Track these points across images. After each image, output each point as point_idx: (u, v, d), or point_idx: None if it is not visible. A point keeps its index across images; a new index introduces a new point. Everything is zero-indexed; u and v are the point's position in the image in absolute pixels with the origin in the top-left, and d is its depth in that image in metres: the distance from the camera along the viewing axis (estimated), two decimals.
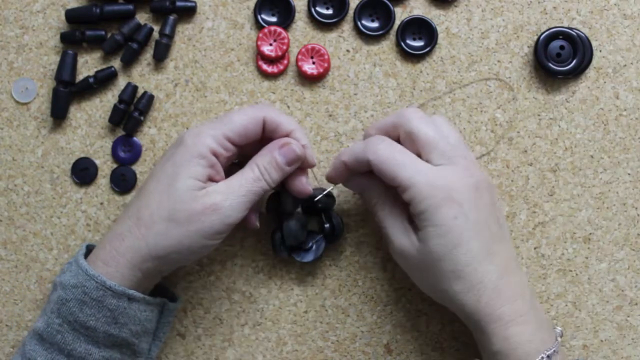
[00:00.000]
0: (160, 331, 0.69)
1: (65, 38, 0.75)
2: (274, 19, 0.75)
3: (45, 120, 0.76)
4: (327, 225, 0.72)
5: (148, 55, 0.75)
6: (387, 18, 0.75)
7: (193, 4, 0.75)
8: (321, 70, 0.74)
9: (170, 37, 0.74)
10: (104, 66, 0.75)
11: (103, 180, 0.75)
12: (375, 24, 0.75)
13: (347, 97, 0.75)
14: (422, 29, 0.75)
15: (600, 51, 0.74)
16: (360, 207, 0.74)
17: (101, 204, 0.75)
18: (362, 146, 0.66)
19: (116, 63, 0.75)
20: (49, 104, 0.75)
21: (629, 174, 0.74)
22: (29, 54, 0.76)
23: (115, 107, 0.74)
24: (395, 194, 0.66)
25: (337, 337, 0.74)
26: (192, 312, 0.74)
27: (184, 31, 0.75)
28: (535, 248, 0.74)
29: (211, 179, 0.65)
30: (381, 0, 0.74)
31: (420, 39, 0.75)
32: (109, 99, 0.75)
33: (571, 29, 0.74)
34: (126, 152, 0.75)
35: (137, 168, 0.75)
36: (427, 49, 0.74)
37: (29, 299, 0.75)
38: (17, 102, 0.76)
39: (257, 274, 0.75)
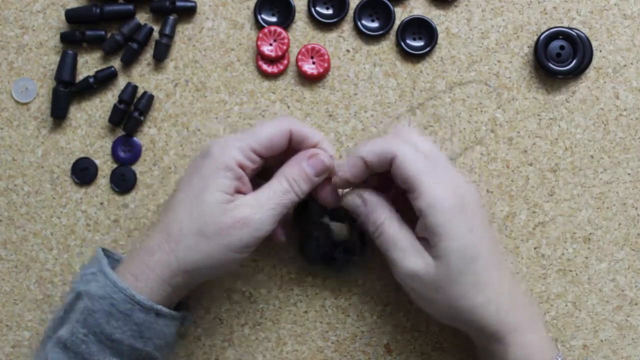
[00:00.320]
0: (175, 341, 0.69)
1: (65, 38, 0.75)
2: (274, 19, 0.75)
3: (45, 120, 0.76)
4: (357, 232, 0.71)
5: (148, 55, 0.75)
6: (387, 18, 0.75)
7: (193, 4, 0.75)
8: (321, 70, 0.74)
9: (170, 37, 0.74)
10: (104, 66, 0.75)
11: (103, 180, 0.75)
12: (375, 24, 0.75)
13: (347, 97, 0.75)
14: (422, 29, 0.75)
15: (600, 51, 0.74)
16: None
17: (101, 204, 0.75)
18: (384, 142, 0.64)
19: (116, 63, 0.75)
20: (49, 104, 0.75)
21: (629, 174, 0.74)
22: (29, 54, 0.76)
23: (115, 107, 0.74)
24: (402, 214, 0.65)
25: (337, 337, 0.74)
26: (192, 312, 0.74)
27: (184, 31, 0.75)
28: (535, 248, 0.74)
29: (238, 191, 0.64)
30: (381, 0, 0.74)
31: (420, 39, 0.75)
32: (109, 99, 0.75)
33: (571, 29, 0.74)
34: (126, 152, 0.75)
35: (137, 168, 0.75)
36: (427, 49, 0.74)
37: (29, 299, 0.75)
38: (17, 102, 0.76)
39: (257, 274, 0.75)
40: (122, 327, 0.63)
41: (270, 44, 0.74)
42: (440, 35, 0.75)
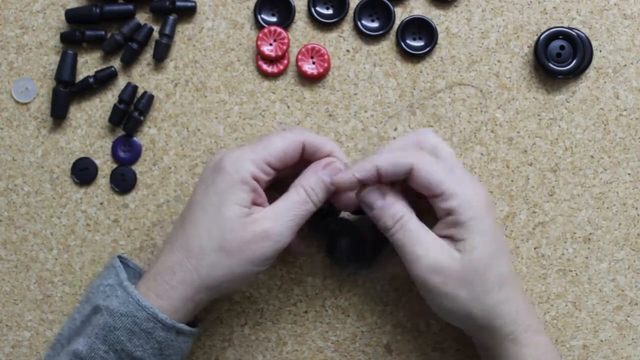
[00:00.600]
0: None
1: (65, 38, 0.75)
2: (274, 19, 0.75)
3: (45, 120, 0.76)
4: (373, 241, 0.71)
5: (148, 55, 0.75)
6: (387, 18, 0.75)
7: (193, 4, 0.75)
8: (321, 70, 0.74)
9: (170, 37, 0.74)
10: (104, 66, 0.75)
11: (103, 180, 0.75)
12: (375, 24, 0.75)
13: (347, 97, 0.75)
14: (422, 29, 0.75)
15: (600, 51, 0.74)
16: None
17: (101, 204, 0.75)
18: (401, 153, 0.64)
19: (116, 63, 0.75)
20: (49, 104, 0.75)
21: (629, 174, 0.74)
22: (29, 54, 0.76)
23: (115, 107, 0.74)
24: (419, 210, 0.65)
25: (337, 337, 0.74)
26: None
27: (184, 31, 0.75)
28: (535, 248, 0.74)
29: (255, 204, 0.64)
30: (381, 0, 0.74)
31: (420, 39, 0.75)
32: (109, 99, 0.75)
33: (571, 29, 0.74)
34: (126, 152, 0.75)
35: (137, 168, 0.75)
36: (427, 49, 0.74)
37: (29, 299, 0.75)
38: (17, 102, 0.76)
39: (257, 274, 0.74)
40: (143, 345, 0.63)
41: (270, 44, 0.74)
42: (440, 35, 0.75)
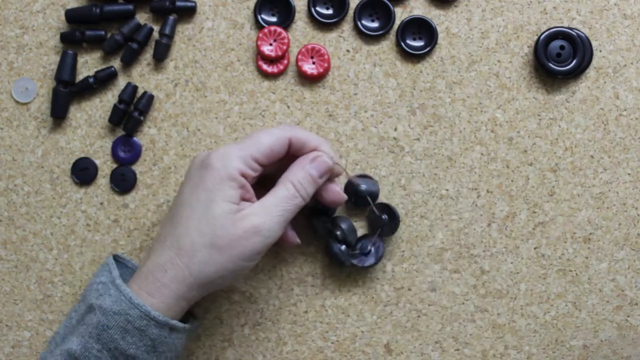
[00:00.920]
0: None
1: (65, 38, 0.75)
2: (274, 19, 0.75)
3: (45, 120, 0.76)
4: (384, 216, 0.71)
5: (148, 55, 0.75)
6: (387, 18, 0.75)
7: (193, 4, 0.75)
8: (321, 70, 0.74)
9: (170, 37, 0.74)
10: (104, 66, 0.75)
11: (103, 180, 0.75)
12: (375, 24, 0.75)
13: (347, 97, 0.75)
14: (422, 29, 0.75)
15: (600, 51, 0.74)
16: (359, 206, 0.74)
17: (101, 204, 0.75)
18: None
19: (116, 63, 0.75)
20: (49, 104, 0.75)
21: (629, 174, 0.74)
22: (29, 54, 0.76)
23: (115, 107, 0.74)
24: None
25: (337, 337, 0.74)
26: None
27: (184, 31, 0.75)
28: (535, 248, 0.74)
29: (243, 199, 0.65)
30: (381, 0, 0.74)
31: (420, 39, 0.75)
32: (109, 99, 0.75)
33: (571, 29, 0.74)
34: (126, 152, 0.75)
35: (137, 168, 0.75)
36: (427, 49, 0.74)
37: (29, 299, 0.75)
38: (17, 102, 0.76)
39: (257, 274, 0.75)
40: (137, 343, 0.63)
41: (270, 44, 0.74)
42: (440, 35, 0.75)
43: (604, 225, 0.74)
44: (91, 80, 0.74)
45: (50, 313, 0.75)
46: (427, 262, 0.74)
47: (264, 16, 0.75)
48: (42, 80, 0.76)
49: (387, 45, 0.75)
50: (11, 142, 0.76)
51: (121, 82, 0.75)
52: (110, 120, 0.74)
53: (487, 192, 0.74)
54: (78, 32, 0.75)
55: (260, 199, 0.65)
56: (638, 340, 0.74)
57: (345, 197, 0.69)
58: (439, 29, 0.75)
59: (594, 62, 0.74)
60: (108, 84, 0.75)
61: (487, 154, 0.74)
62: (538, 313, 0.74)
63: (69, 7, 0.76)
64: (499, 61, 0.75)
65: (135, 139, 0.75)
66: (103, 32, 0.75)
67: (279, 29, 0.74)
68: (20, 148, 0.76)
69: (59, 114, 0.75)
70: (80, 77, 0.75)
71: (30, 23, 0.76)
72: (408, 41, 0.74)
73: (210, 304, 0.74)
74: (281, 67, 0.75)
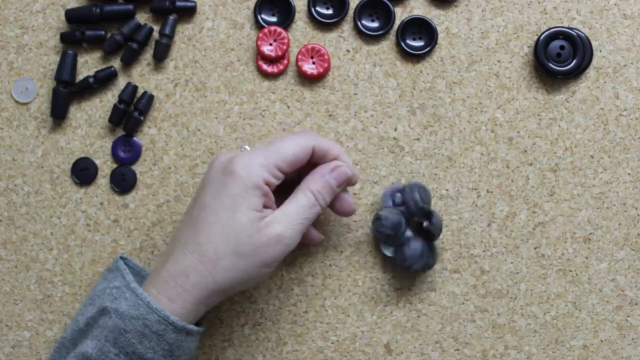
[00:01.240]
0: None
1: (65, 38, 0.75)
2: (274, 19, 0.75)
3: (45, 120, 0.76)
4: (425, 223, 0.71)
5: (148, 55, 0.75)
6: (387, 18, 0.75)
7: (193, 4, 0.75)
8: (321, 70, 0.74)
9: (170, 37, 0.74)
10: (104, 66, 0.75)
11: (103, 180, 0.75)
12: (375, 24, 0.75)
13: (347, 97, 0.75)
14: (422, 29, 0.75)
15: (600, 51, 0.74)
16: (359, 207, 0.74)
17: (101, 204, 0.75)
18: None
19: (116, 63, 0.75)
20: (49, 104, 0.75)
21: (629, 174, 0.74)
22: (29, 54, 0.76)
23: (115, 107, 0.74)
24: None
25: (337, 337, 0.74)
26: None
27: (184, 31, 0.75)
28: (535, 248, 0.74)
29: (264, 207, 0.65)
30: (381, 0, 0.74)
31: (420, 39, 0.75)
32: (109, 99, 0.75)
33: (571, 29, 0.74)
34: (126, 152, 0.75)
35: (137, 168, 0.75)
36: (427, 49, 0.74)
37: (29, 299, 0.75)
38: (17, 102, 0.76)
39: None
40: (154, 347, 0.64)
41: (270, 44, 0.74)
42: (440, 35, 0.75)
43: (604, 225, 0.74)
44: (91, 80, 0.74)
45: (50, 313, 0.75)
46: None
47: (264, 16, 0.75)
48: (42, 80, 0.76)
49: (387, 45, 0.75)
50: (11, 142, 0.76)
51: (121, 82, 0.75)
52: (110, 120, 0.74)
53: (487, 192, 0.74)
54: (78, 32, 0.75)
55: (281, 206, 0.66)
56: (638, 340, 0.74)
57: (355, 209, 0.70)
58: (439, 29, 0.75)
59: (594, 62, 0.74)
60: (108, 84, 0.75)
61: (487, 154, 0.74)
62: (538, 313, 0.74)
63: (69, 7, 0.76)
64: (499, 61, 0.75)
65: (135, 139, 0.75)
66: (103, 32, 0.75)
67: (279, 29, 0.74)
68: (20, 148, 0.76)
69: (59, 114, 0.75)
70: (80, 77, 0.75)
71: (30, 23, 0.76)
72: (408, 41, 0.74)
73: None
74: (281, 67, 0.75)
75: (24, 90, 0.76)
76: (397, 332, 0.74)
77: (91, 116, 0.76)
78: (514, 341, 0.74)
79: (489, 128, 0.74)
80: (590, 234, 0.74)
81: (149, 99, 0.74)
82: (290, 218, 0.65)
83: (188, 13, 0.75)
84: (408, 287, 0.74)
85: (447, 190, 0.74)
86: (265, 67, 0.75)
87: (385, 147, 0.74)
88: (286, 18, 0.75)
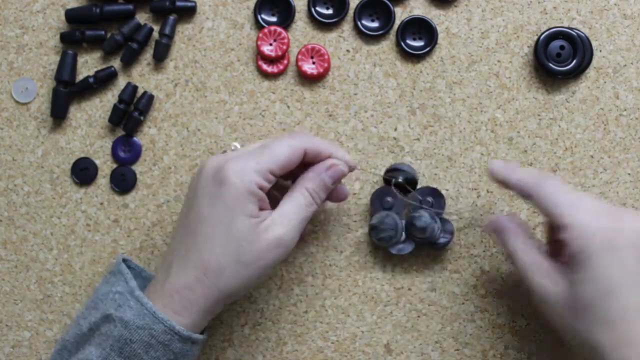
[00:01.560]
0: None
1: (65, 38, 0.75)
2: (274, 19, 0.75)
3: (45, 120, 0.76)
4: (429, 199, 0.72)
5: (148, 55, 0.75)
6: (387, 18, 0.75)
7: (193, 4, 0.75)
8: (321, 70, 0.74)
9: (170, 37, 0.74)
10: (104, 66, 0.75)
11: (103, 180, 0.75)
12: (375, 24, 0.75)
13: (347, 97, 0.75)
14: (422, 29, 0.75)
15: (600, 51, 0.74)
16: (359, 206, 0.74)
17: (101, 204, 0.75)
18: (531, 176, 0.65)
19: (116, 63, 0.75)
20: (49, 104, 0.76)
21: (629, 174, 0.74)
22: (29, 54, 0.76)
23: (115, 107, 0.74)
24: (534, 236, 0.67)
25: (337, 337, 0.74)
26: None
27: (184, 31, 0.75)
28: None
29: (260, 209, 0.65)
30: (381, 0, 0.74)
31: (420, 39, 0.75)
32: (109, 99, 0.75)
33: (571, 29, 0.74)
34: (126, 152, 0.75)
35: (137, 168, 0.75)
36: (427, 49, 0.74)
37: (29, 299, 0.75)
38: (17, 102, 0.76)
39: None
40: (160, 357, 0.64)
41: (270, 44, 0.74)
42: (440, 35, 0.75)
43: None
44: (91, 80, 0.74)
45: (50, 313, 0.75)
46: (427, 262, 0.74)
47: (264, 16, 0.75)
48: (42, 80, 0.76)
49: (387, 45, 0.75)
50: (11, 142, 0.76)
51: (121, 82, 0.75)
52: (110, 120, 0.75)
53: (487, 192, 0.74)
54: (78, 32, 0.75)
55: (278, 207, 0.65)
56: None
57: (349, 192, 0.71)
58: (439, 29, 0.75)
59: (594, 62, 0.74)
60: (108, 84, 0.75)
61: (487, 154, 0.74)
62: (538, 313, 0.74)
63: (69, 7, 0.76)
64: (499, 61, 0.75)
65: (135, 139, 0.75)
66: (103, 32, 0.75)
67: (279, 29, 0.74)
68: (20, 148, 0.76)
69: (59, 114, 0.75)
70: (80, 77, 0.75)
71: (30, 23, 0.76)
72: (408, 41, 0.74)
73: None
74: (281, 67, 0.75)
75: (24, 90, 0.76)
76: (397, 332, 0.74)
77: (91, 116, 0.76)
78: (514, 341, 0.74)
79: (489, 128, 0.74)
80: None
81: (149, 99, 0.74)
82: (289, 219, 0.65)
83: (188, 13, 0.75)
84: (408, 287, 0.74)
85: (447, 190, 0.74)
86: (265, 67, 0.75)
87: (385, 147, 0.74)
88: (286, 18, 0.75)
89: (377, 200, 0.73)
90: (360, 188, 0.74)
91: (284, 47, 0.74)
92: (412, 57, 0.75)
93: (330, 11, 0.75)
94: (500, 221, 0.67)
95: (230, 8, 0.75)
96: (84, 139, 0.75)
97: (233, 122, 0.75)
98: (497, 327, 0.74)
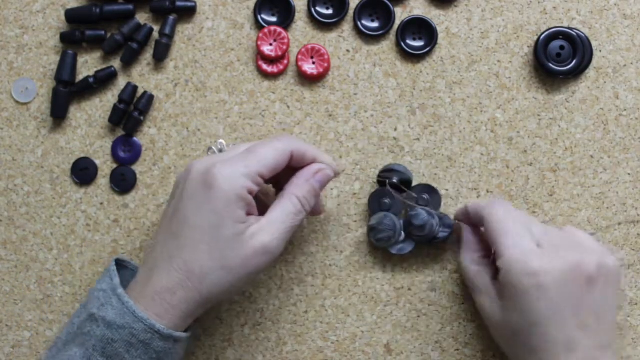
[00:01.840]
0: None
1: (65, 38, 0.75)
2: (274, 19, 0.75)
3: (45, 120, 0.76)
4: (425, 196, 0.72)
5: (148, 55, 0.75)
6: (387, 18, 0.75)
7: (193, 4, 0.75)
8: (321, 70, 0.74)
9: (170, 37, 0.74)
10: (104, 66, 0.76)
11: (103, 180, 0.75)
12: (375, 24, 0.75)
13: (347, 97, 0.75)
14: (422, 29, 0.75)
15: (600, 51, 0.74)
16: (359, 207, 0.74)
17: (101, 204, 0.75)
18: (485, 201, 0.71)
19: (116, 63, 0.75)
20: (49, 104, 0.76)
21: (629, 174, 0.74)
22: (29, 54, 0.76)
23: (115, 107, 0.74)
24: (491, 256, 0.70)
25: (337, 337, 0.74)
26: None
27: (184, 31, 0.75)
28: None
29: (247, 214, 0.64)
30: (381, 0, 0.74)
31: (420, 39, 0.75)
32: (109, 99, 0.76)
33: (571, 29, 0.74)
34: (126, 152, 0.75)
35: (137, 168, 0.75)
36: (427, 49, 0.74)
37: (29, 299, 0.75)
38: (17, 102, 0.76)
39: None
40: (142, 356, 0.63)
41: (270, 44, 0.74)
42: (440, 35, 0.75)
43: (604, 225, 0.74)
44: (91, 80, 0.74)
45: (50, 313, 0.75)
46: (427, 262, 0.74)
47: (264, 16, 0.75)
48: (42, 80, 0.76)
49: (387, 45, 0.75)
50: (11, 142, 0.76)
51: (121, 82, 0.75)
52: (110, 120, 0.75)
53: (487, 192, 0.74)
54: (78, 32, 0.75)
55: (267, 213, 0.65)
56: (638, 340, 0.74)
57: (324, 209, 0.73)
58: (439, 29, 0.75)
59: (594, 62, 0.74)
60: (108, 84, 0.75)
61: (487, 154, 0.74)
62: None
63: (69, 7, 0.76)
64: (499, 61, 0.75)
65: (135, 139, 0.75)
66: (103, 32, 0.75)
67: (279, 29, 0.74)
68: (20, 148, 0.76)
69: (59, 114, 0.75)
70: (80, 77, 0.75)
71: (30, 23, 0.76)
72: (408, 41, 0.74)
73: None
74: (281, 67, 0.75)
75: (24, 90, 0.76)
76: (397, 332, 0.74)
77: (91, 116, 0.76)
78: None
79: (489, 128, 0.74)
80: (591, 234, 0.74)
81: (149, 99, 0.74)
82: (277, 227, 0.64)
83: (188, 13, 0.75)
84: (408, 287, 0.74)
85: (447, 190, 0.74)
86: (265, 67, 0.75)
87: (385, 147, 0.74)
88: (286, 18, 0.75)
89: (375, 202, 0.73)
90: (360, 188, 0.74)
91: (284, 47, 0.74)
92: (412, 57, 0.75)
93: (330, 11, 0.75)
94: (465, 231, 0.71)
95: (230, 8, 0.75)
96: (84, 139, 0.75)
97: (233, 122, 0.75)
98: None
